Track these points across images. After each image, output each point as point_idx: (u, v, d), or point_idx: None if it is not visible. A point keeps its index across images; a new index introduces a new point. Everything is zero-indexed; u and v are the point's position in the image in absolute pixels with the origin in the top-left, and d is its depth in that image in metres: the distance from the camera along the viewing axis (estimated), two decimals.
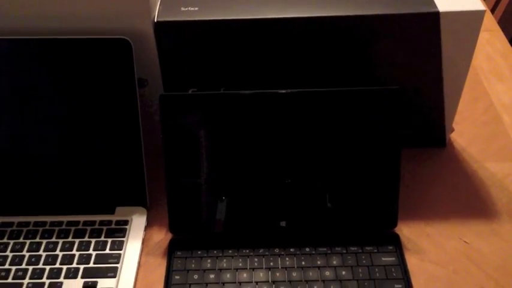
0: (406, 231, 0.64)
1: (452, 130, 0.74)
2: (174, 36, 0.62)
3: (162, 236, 0.64)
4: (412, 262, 0.61)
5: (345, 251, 0.61)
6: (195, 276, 0.59)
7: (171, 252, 0.61)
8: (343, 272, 0.59)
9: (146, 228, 0.64)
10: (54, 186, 0.64)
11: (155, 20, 0.60)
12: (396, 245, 0.62)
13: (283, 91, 0.59)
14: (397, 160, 0.61)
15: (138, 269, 0.60)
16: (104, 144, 0.62)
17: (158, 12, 0.61)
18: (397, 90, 0.59)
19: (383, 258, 0.60)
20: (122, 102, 0.61)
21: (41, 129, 0.62)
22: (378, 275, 0.59)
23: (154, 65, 0.64)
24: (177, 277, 0.59)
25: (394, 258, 0.60)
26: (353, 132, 0.60)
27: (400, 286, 0.58)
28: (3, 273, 0.57)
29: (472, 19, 0.61)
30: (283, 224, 0.62)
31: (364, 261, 0.60)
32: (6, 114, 0.61)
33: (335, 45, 0.62)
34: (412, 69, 0.65)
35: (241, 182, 0.61)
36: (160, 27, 0.61)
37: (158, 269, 0.60)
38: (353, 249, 0.61)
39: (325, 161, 0.61)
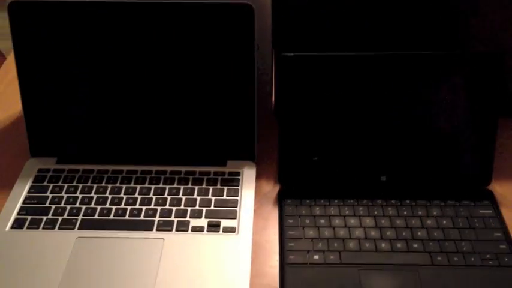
0: (499, 189, 0.68)
1: None
2: (289, 4, 0.67)
3: (270, 188, 0.69)
4: (508, 215, 0.65)
5: (443, 204, 0.65)
6: (307, 221, 0.64)
7: (281, 200, 0.67)
8: (444, 222, 0.63)
9: (255, 180, 0.69)
10: (174, 140, 0.70)
11: None
12: (491, 199, 0.66)
13: (393, 53, 0.64)
14: (494, 122, 0.65)
15: (253, 213, 0.65)
16: (221, 104, 0.68)
17: None
18: (498, 54, 0.64)
19: (480, 211, 0.64)
20: (240, 63, 0.67)
21: (195, 91, 0.68)
22: (477, 224, 0.63)
23: (266, 31, 0.70)
24: (290, 220, 0.64)
25: (491, 211, 0.64)
26: (453, 95, 0.65)
27: (499, 234, 0.62)
28: (135, 212, 0.64)
29: None
30: (383, 178, 0.67)
31: (462, 213, 0.64)
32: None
33: (435, 11, 0.67)
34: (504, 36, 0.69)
35: (345, 139, 0.66)
36: None
37: (271, 214, 0.66)
38: (451, 202, 0.66)
39: (426, 123, 0.66)
